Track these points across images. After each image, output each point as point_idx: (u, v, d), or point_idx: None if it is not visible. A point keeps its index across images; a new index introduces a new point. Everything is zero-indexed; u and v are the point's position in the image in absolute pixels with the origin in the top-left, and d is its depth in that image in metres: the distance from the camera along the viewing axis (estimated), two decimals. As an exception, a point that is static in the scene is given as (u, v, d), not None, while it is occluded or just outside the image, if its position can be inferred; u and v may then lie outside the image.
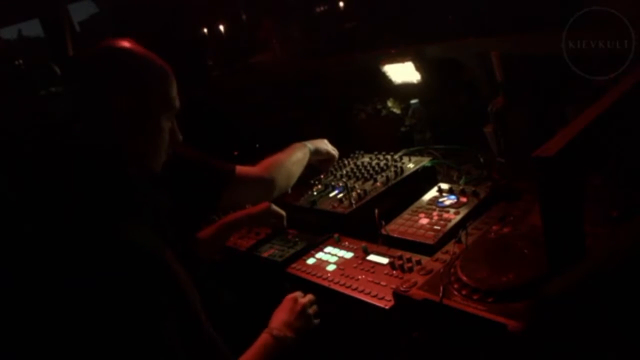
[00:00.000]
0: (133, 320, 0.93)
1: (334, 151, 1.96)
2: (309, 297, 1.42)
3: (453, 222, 1.46)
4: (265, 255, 1.66)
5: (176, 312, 0.98)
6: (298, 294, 1.42)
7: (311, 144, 1.87)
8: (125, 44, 1.15)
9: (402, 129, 2.19)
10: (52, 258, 0.96)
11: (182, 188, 1.48)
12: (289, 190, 1.97)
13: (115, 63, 1.12)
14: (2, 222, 1.02)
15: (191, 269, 1.09)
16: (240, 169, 1.65)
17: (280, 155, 1.76)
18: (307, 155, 1.83)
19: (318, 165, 1.96)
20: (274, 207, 1.74)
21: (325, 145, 1.93)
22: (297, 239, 1.68)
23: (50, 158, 1.08)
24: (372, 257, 1.46)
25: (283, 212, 1.74)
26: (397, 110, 2.22)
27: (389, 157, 1.96)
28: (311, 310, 1.38)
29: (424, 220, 1.52)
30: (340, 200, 1.71)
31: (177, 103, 1.21)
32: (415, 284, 1.26)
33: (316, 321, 1.39)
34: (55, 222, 0.99)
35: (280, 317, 1.33)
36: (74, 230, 0.97)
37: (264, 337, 1.26)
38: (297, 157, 1.80)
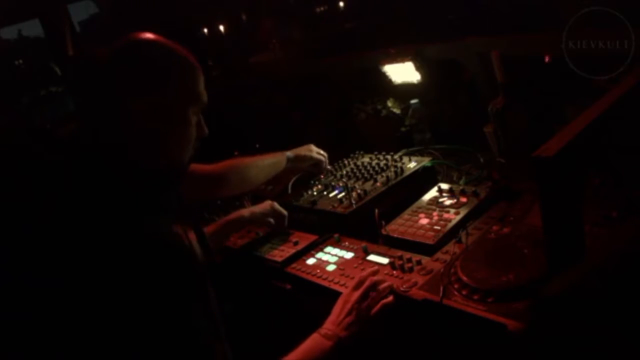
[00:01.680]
0: (166, 314, 0.92)
1: (319, 155, 1.97)
2: (362, 289, 1.26)
3: (453, 222, 1.46)
4: (265, 255, 1.66)
5: (203, 304, 0.98)
6: (351, 287, 1.30)
7: (292, 152, 1.90)
8: (149, 36, 1.13)
9: (402, 129, 2.19)
10: (78, 253, 0.95)
11: None
12: (289, 190, 1.97)
13: (141, 57, 1.10)
14: (31, 221, 1.01)
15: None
16: (195, 165, 1.66)
17: (245, 158, 1.81)
18: (282, 163, 1.86)
19: (310, 169, 1.99)
20: (277, 206, 1.74)
21: (309, 151, 1.95)
22: (297, 239, 1.68)
23: (77, 155, 1.07)
24: (372, 257, 1.46)
25: (285, 212, 1.74)
26: (397, 110, 2.22)
27: (389, 157, 1.96)
28: (365, 304, 1.24)
29: (424, 220, 1.52)
30: (341, 200, 1.71)
31: (204, 97, 1.19)
32: (415, 284, 1.27)
33: (373, 313, 1.23)
34: (84, 218, 0.97)
35: (331, 316, 1.26)
36: (102, 224, 0.96)
37: (312, 337, 1.21)
38: (264, 162, 1.82)
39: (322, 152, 2.00)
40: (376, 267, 1.39)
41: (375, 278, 1.31)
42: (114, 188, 1.02)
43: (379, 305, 1.25)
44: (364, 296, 1.26)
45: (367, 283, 1.28)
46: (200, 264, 1.03)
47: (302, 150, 1.95)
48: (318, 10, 3.23)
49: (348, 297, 1.27)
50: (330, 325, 1.23)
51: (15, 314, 0.94)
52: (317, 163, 1.97)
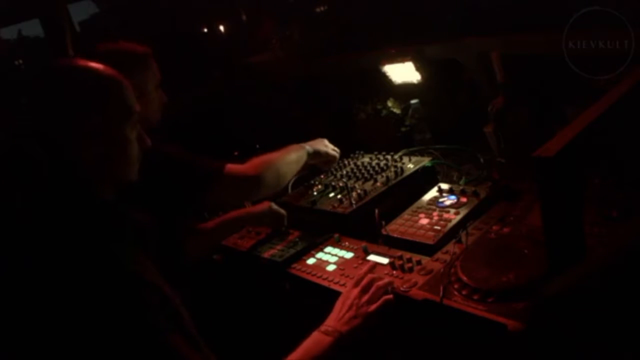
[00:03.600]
0: (129, 344, 0.91)
1: (334, 152, 1.93)
2: (361, 285, 1.28)
3: (453, 222, 1.46)
4: (265, 255, 1.66)
5: (173, 326, 0.96)
6: (351, 284, 1.31)
7: (310, 146, 1.83)
8: (71, 62, 1.12)
9: (402, 129, 2.19)
10: (34, 282, 0.94)
11: (165, 187, 1.47)
12: (289, 190, 1.97)
13: (63, 85, 1.08)
14: None
15: (177, 277, 1.07)
16: (230, 167, 1.60)
17: (272, 155, 1.71)
18: (304, 158, 1.79)
19: (319, 165, 1.95)
20: (275, 206, 1.74)
21: (324, 146, 1.90)
22: (297, 239, 1.68)
23: (21, 185, 1.06)
24: (372, 257, 1.46)
25: (284, 212, 1.74)
26: (397, 110, 2.22)
27: (389, 157, 1.96)
28: (364, 299, 1.25)
29: (424, 221, 1.52)
30: (341, 200, 1.71)
31: (136, 108, 1.15)
32: (415, 284, 1.27)
33: (371, 307, 1.24)
34: (34, 244, 0.96)
35: (332, 313, 1.26)
36: (56, 252, 0.95)
37: (312, 335, 1.21)
38: (290, 158, 1.75)
39: (336, 148, 1.95)
40: (372, 263, 1.40)
41: (374, 275, 1.32)
42: (65, 216, 1.00)
43: (380, 301, 1.25)
44: (364, 292, 1.27)
45: (365, 279, 1.29)
46: (160, 287, 0.99)
47: (318, 145, 1.87)
48: (318, 10, 3.23)
49: (348, 293, 1.28)
50: (330, 322, 1.23)
51: None
52: (330, 160, 1.92)
